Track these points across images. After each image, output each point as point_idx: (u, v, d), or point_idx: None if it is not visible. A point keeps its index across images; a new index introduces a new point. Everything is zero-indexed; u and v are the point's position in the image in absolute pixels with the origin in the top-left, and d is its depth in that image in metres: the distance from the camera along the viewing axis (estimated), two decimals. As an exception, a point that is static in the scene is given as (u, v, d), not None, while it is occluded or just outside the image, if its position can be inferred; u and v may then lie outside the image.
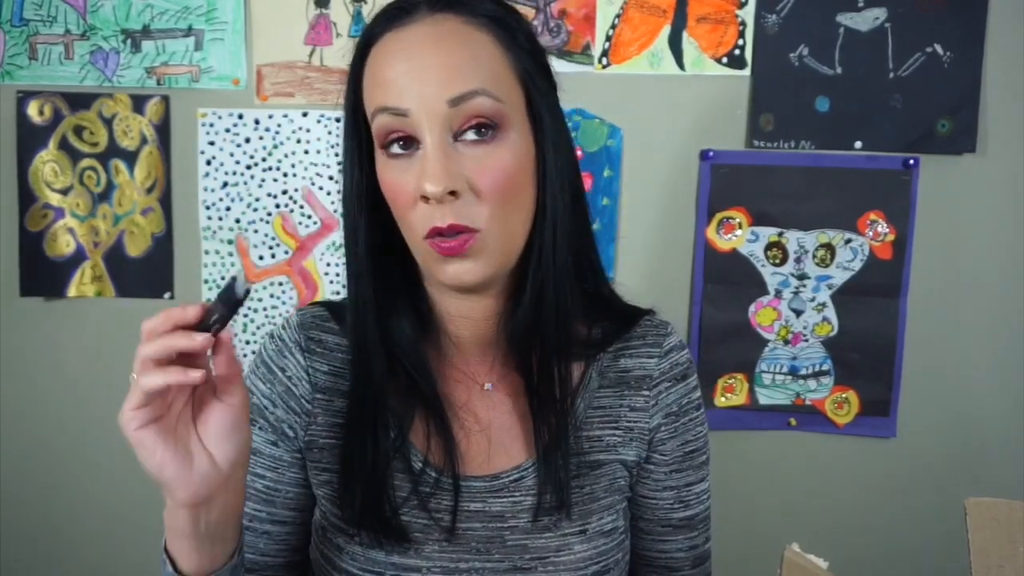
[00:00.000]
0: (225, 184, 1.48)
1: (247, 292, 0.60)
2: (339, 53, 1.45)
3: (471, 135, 0.70)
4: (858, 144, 1.45)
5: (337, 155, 1.47)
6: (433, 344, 0.81)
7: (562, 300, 0.77)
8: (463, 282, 0.73)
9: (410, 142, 0.71)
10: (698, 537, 0.87)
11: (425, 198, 0.70)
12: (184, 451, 0.61)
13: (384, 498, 0.76)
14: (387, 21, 0.73)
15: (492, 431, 0.80)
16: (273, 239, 1.49)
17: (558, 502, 0.77)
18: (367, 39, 0.74)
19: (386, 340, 0.78)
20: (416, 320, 0.79)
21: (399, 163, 0.72)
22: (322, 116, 1.46)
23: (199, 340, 0.58)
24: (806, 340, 1.49)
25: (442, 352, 0.81)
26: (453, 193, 0.69)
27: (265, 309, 1.49)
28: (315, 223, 1.49)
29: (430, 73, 0.69)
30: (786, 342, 1.49)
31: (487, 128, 0.70)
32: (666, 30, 1.43)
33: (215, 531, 0.64)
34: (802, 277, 1.48)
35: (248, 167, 1.47)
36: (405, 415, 0.78)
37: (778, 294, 1.49)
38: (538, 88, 0.75)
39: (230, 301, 0.59)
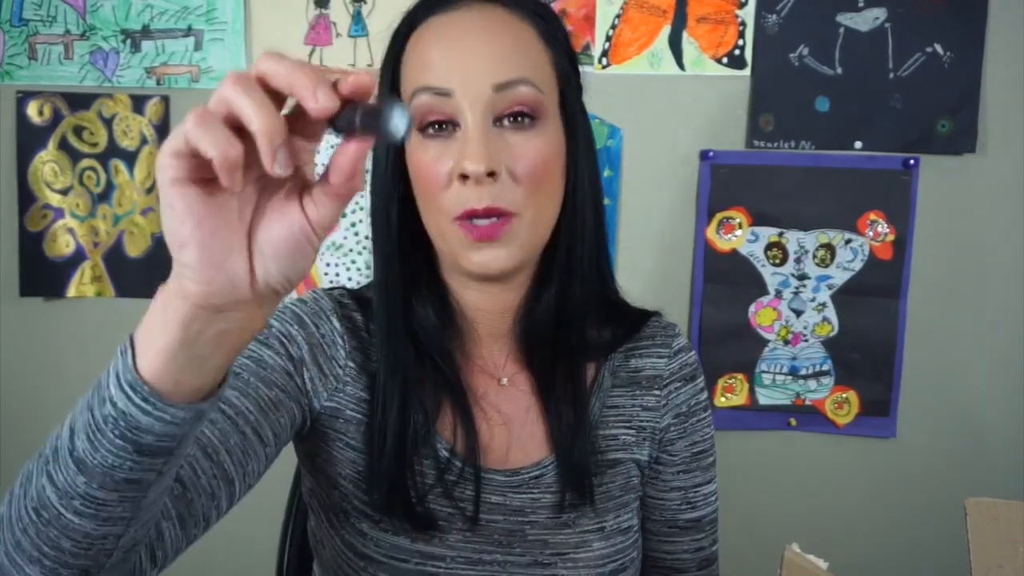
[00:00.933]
0: (225, 184, 1.48)
1: (406, 131, 0.41)
2: (339, 53, 1.45)
3: (510, 121, 0.71)
4: (858, 144, 1.45)
5: (337, 155, 1.47)
6: (453, 335, 0.80)
7: (584, 297, 0.78)
8: (490, 270, 0.72)
9: (447, 124, 0.71)
10: (705, 539, 0.86)
11: (464, 177, 0.70)
12: (222, 242, 0.44)
13: (410, 484, 0.75)
14: (432, 6, 0.74)
15: (511, 425, 0.80)
16: (273, 239, 1.49)
17: (579, 498, 0.78)
18: (410, 22, 0.75)
19: (412, 325, 0.78)
20: (439, 309, 0.79)
21: (434, 144, 0.71)
22: (322, 116, 1.46)
23: (322, 101, 0.42)
24: (806, 340, 1.49)
25: (461, 344, 0.81)
26: (492, 175, 0.70)
27: (265, 309, 1.49)
28: (315, 223, 1.49)
29: (476, 58, 0.70)
30: (786, 342, 1.49)
31: (526, 116, 0.71)
32: (666, 30, 1.43)
33: (202, 350, 0.47)
34: (802, 277, 1.48)
35: (248, 167, 1.47)
36: (433, 404, 0.77)
37: (778, 294, 1.49)
38: (572, 85, 0.77)
39: (378, 128, 0.42)
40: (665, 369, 0.84)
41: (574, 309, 0.78)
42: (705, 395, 0.86)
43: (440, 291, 0.80)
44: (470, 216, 0.70)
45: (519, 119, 0.71)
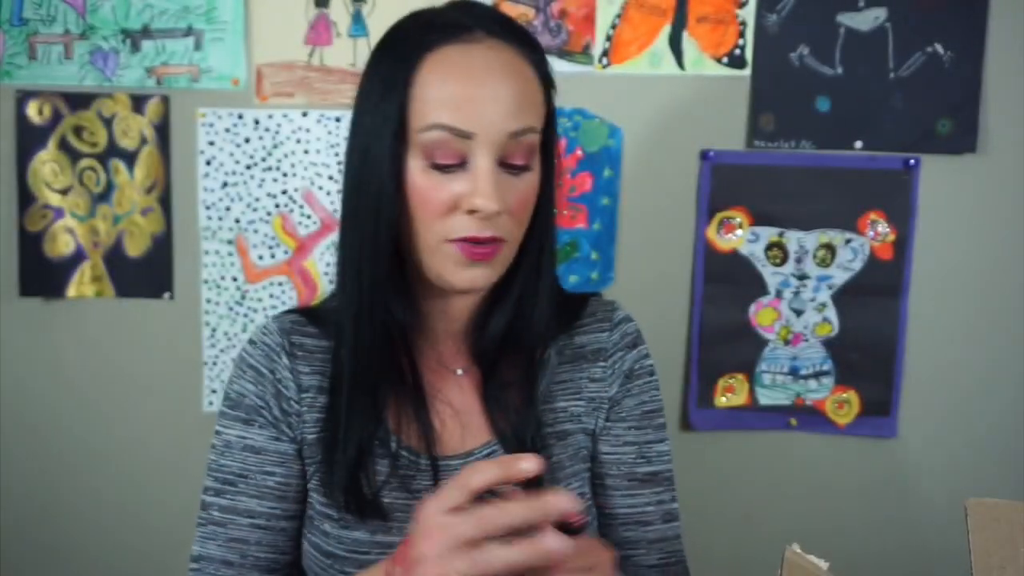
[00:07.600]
0: (225, 184, 1.48)
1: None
2: (339, 53, 1.45)
3: (509, 168, 0.78)
4: (858, 144, 1.45)
5: (337, 155, 1.46)
6: (415, 335, 0.87)
7: (543, 309, 0.85)
8: (476, 287, 0.80)
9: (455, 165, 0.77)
10: (664, 494, 0.92)
11: (471, 212, 0.76)
12: None
13: (363, 479, 0.81)
14: (445, 33, 0.77)
15: (463, 415, 0.86)
16: (273, 239, 1.49)
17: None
18: (423, 46, 0.77)
19: (383, 326, 0.82)
20: (408, 311, 0.84)
21: (442, 175, 0.77)
22: (322, 116, 1.46)
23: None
24: (806, 340, 1.49)
25: (420, 343, 0.87)
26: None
27: (265, 309, 1.49)
28: (315, 223, 1.49)
29: (496, 104, 0.76)
30: (786, 342, 1.49)
31: (523, 166, 0.79)
32: (666, 30, 1.43)
33: None
34: (802, 277, 1.48)
35: (248, 167, 1.47)
36: (381, 399, 0.83)
37: (778, 294, 1.48)
38: (553, 121, 0.83)
39: None
40: (608, 341, 0.91)
41: (531, 317, 0.85)
42: (650, 361, 0.93)
43: (409, 294, 0.84)
44: (472, 241, 0.77)
45: (517, 166, 0.78)
